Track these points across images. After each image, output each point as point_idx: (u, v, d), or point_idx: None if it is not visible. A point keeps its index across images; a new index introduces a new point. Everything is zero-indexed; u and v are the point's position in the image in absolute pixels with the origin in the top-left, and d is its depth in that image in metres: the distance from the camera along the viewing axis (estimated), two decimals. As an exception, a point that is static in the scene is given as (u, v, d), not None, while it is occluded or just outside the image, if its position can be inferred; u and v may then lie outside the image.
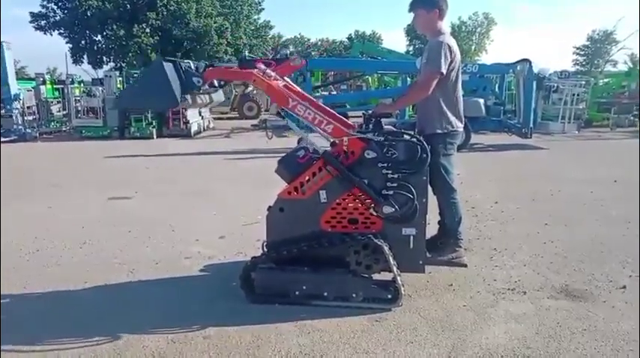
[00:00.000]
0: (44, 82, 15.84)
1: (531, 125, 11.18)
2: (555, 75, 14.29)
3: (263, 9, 34.68)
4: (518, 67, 11.43)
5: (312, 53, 49.63)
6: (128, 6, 26.57)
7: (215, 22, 27.30)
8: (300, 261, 3.04)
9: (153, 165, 8.96)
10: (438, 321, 2.88)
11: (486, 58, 47.41)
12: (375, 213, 2.99)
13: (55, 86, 16.64)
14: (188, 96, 3.14)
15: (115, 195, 6.36)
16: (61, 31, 27.93)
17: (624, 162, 8.93)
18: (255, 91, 19.07)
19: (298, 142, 3.37)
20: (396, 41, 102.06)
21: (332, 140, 3.10)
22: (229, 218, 5.12)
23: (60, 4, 27.28)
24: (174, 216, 5.22)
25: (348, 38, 52.57)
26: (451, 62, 3.16)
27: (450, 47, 3.15)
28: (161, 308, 3.10)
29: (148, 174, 8.07)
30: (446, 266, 3.41)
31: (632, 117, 16.57)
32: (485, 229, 4.68)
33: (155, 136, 13.58)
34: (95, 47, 28.67)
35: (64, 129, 15.33)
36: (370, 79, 20.40)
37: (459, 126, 3.31)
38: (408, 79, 13.52)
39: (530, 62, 11.02)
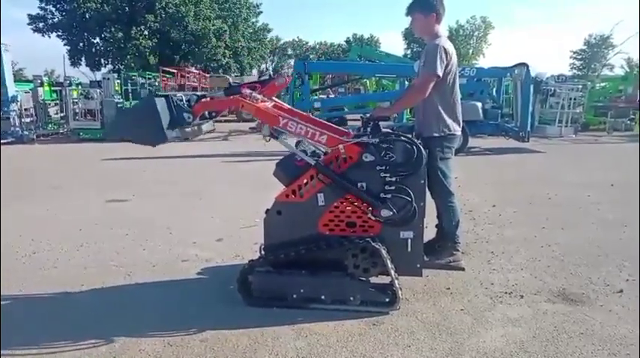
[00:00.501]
0: (42, 84, 15.85)
1: (528, 129, 11.21)
2: (552, 79, 14.40)
3: (261, 12, 34.90)
4: (516, 71, 11.47)
5: (311, 56, 49.87)
6: (126, 8, 26.63)
7: (213, 25, 27.37)
8: (297, 264, 3.03)
9: (150, 167, 8.95)
10: (435, 325, 2.87)
11: (484, 62, 47.63)
12: (372, 217, 3.00)
13: (52, 88, 16.64)
14: (177, 131, 3.13)
15: (112, 197, 6.35)
16: (59, 33, 27.97)
17: (621, 165, 8.98)
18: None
19: (297, 145, 3.38)
20: (393, 44, 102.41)
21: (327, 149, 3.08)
22: (227, 220, 5.12)
23: (58, 6, 27.34)
24: (172, 219, 5.21)
25: (346, 41, 52.79)
26: (447, 65, 3.18)
27: (445, 50, 3.17)
28: (158, 311, 3.09)
29: (146, 177, 8.06)
30: (443, 269, 3.42)
31: (628, 121, 16.70)
32: (482, 233, 4.69)
33: (153, 139, 13.52)
34: (93, 49, 28.73)
35: (61, 131, 15.33)
36: (368, 82, 20.42)
37: (457, 129, 3.32)
38: (406, 82, 13.53)
39: (527, 66, 11.07)
